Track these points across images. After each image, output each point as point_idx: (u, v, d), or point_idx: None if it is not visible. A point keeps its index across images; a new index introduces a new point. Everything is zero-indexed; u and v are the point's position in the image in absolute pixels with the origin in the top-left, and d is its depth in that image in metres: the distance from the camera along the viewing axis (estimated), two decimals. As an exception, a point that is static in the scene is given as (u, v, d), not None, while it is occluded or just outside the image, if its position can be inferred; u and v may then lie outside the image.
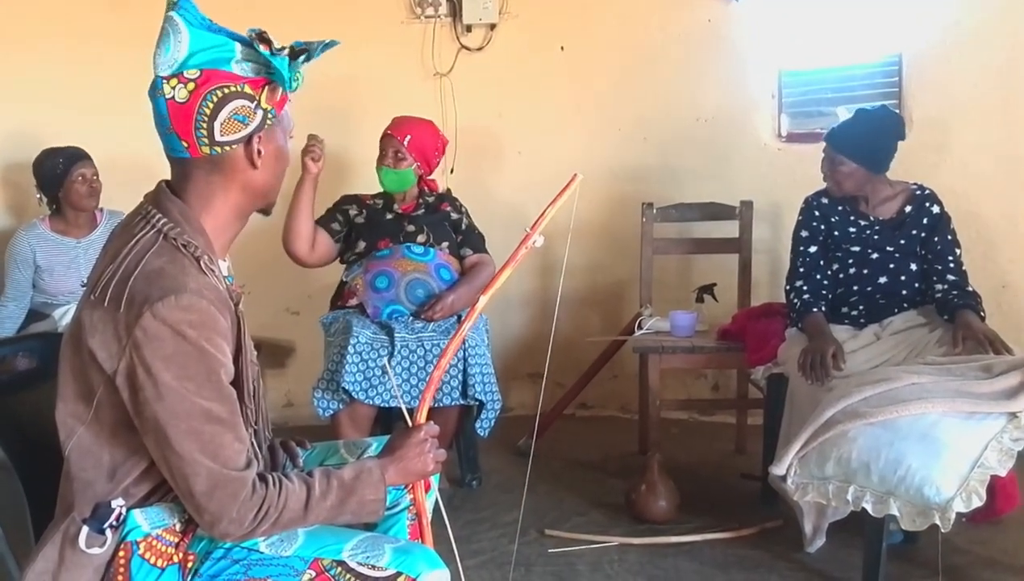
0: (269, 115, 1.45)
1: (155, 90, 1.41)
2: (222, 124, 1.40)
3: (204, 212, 1.47)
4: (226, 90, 1.40)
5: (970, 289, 2.85)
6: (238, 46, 1.42)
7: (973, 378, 2.43)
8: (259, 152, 1.46)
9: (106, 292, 1.37)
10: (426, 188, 3.44)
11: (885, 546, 2.42)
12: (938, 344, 2.72)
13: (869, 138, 2.90)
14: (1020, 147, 3.72)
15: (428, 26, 4.16)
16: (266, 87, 1.43)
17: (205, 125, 1.40)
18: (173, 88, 1.39)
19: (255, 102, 1.42)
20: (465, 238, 3.40)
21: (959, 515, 2.20)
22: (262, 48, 1.41)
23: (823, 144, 3.00)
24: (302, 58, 1.44)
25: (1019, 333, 3.56)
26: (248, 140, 1.44)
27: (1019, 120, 3.71)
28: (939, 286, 2.86)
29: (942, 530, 2.20)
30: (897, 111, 3.79)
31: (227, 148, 1.43)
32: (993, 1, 3.72)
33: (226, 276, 1.51)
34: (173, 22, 1.39)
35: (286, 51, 1.43)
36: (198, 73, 1.39)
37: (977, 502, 2.18)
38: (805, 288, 2.96)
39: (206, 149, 1.42)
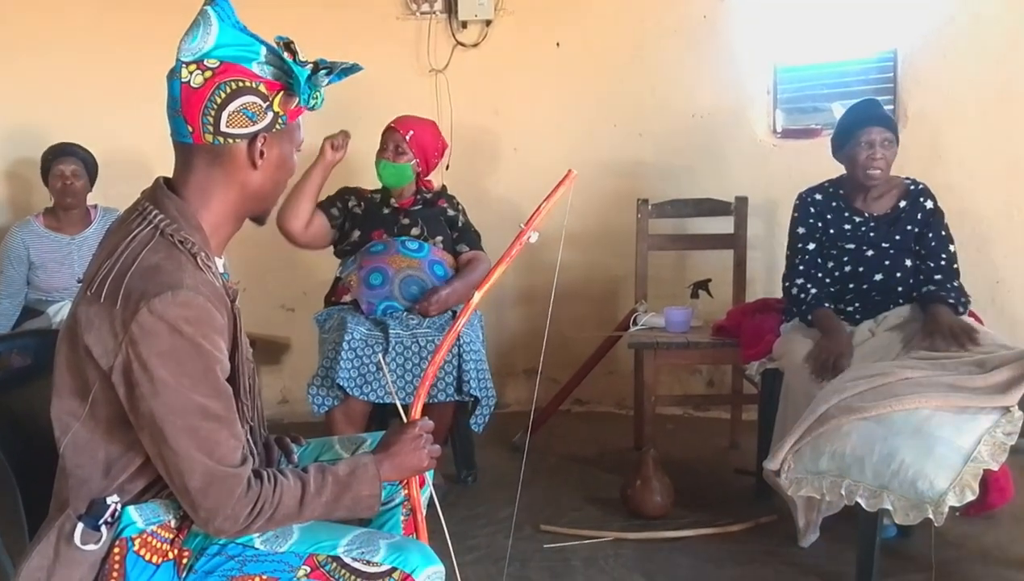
0: (279, 120, 1.46)
1: (173, 73, 1.43)
2: (230, 115, 1.42)
3: (201, 208, 1.47)
4: (241, 84, 1.41)
5: (956, 284, 2.85)
6: (263, 49, 1.44)
7: (966, 373, 2.43)
8: (261, 153, 1.46)
9: (102, 288, 1.37)
10: (423, 187, 3.44)
11: (879, 540, 2.43)
12: (921, 338, 2.72)
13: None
14: (1015, 143, 3.73)
15: (423, 22, 4.15)
16: (282, 92, 1.44)
17: (213, 113, 1.41)
18: (191, 73, 1.41)
19: (267, 103, 1.43)
20: (461, 235, 3.40)
21: (952, 509, 2.21)
22: (286, 56, 1.43)
23: (864, 129, 2.83)
24: (322, 73, 1.45)
25: (1013, 328, 3.57)
26: (252, 138, 1.45)
27: (1014, 116, 3.72)
28: (926, 285, 2.86)
29: (935, 524, 2.21)
30: (892, 106, 3.81)
31: (230, 140, 1.44)
32: (988, -4, 3.73)
33: (222, 273, 1.51)
34: (206, 15, 1.41)
35: (310, 65, 1.45)
36: (218, 64, 1.41)
37: (970, 496, 2.19)
38: (809, 285, 2.95)
39: (209, 137, 1.43)
